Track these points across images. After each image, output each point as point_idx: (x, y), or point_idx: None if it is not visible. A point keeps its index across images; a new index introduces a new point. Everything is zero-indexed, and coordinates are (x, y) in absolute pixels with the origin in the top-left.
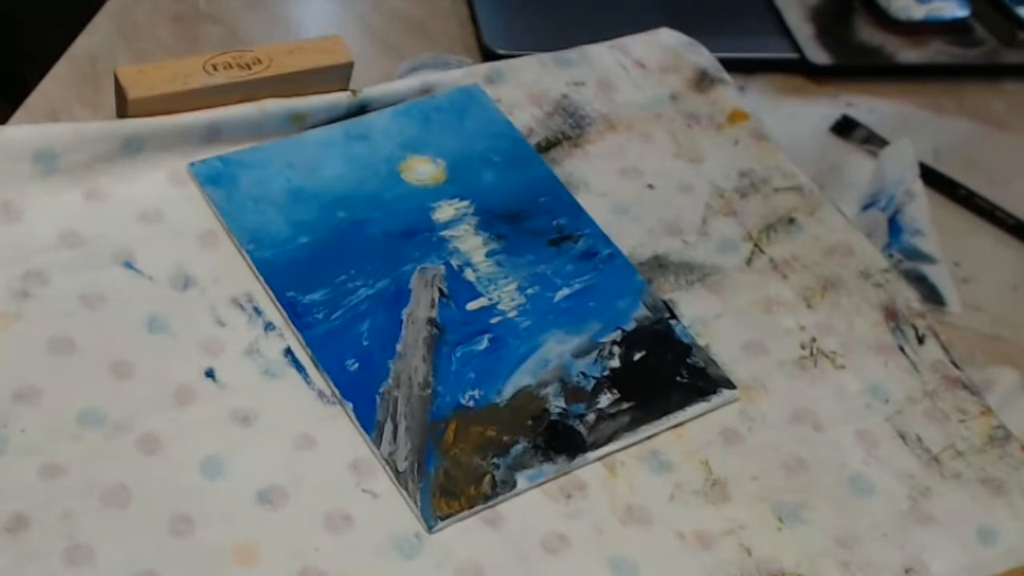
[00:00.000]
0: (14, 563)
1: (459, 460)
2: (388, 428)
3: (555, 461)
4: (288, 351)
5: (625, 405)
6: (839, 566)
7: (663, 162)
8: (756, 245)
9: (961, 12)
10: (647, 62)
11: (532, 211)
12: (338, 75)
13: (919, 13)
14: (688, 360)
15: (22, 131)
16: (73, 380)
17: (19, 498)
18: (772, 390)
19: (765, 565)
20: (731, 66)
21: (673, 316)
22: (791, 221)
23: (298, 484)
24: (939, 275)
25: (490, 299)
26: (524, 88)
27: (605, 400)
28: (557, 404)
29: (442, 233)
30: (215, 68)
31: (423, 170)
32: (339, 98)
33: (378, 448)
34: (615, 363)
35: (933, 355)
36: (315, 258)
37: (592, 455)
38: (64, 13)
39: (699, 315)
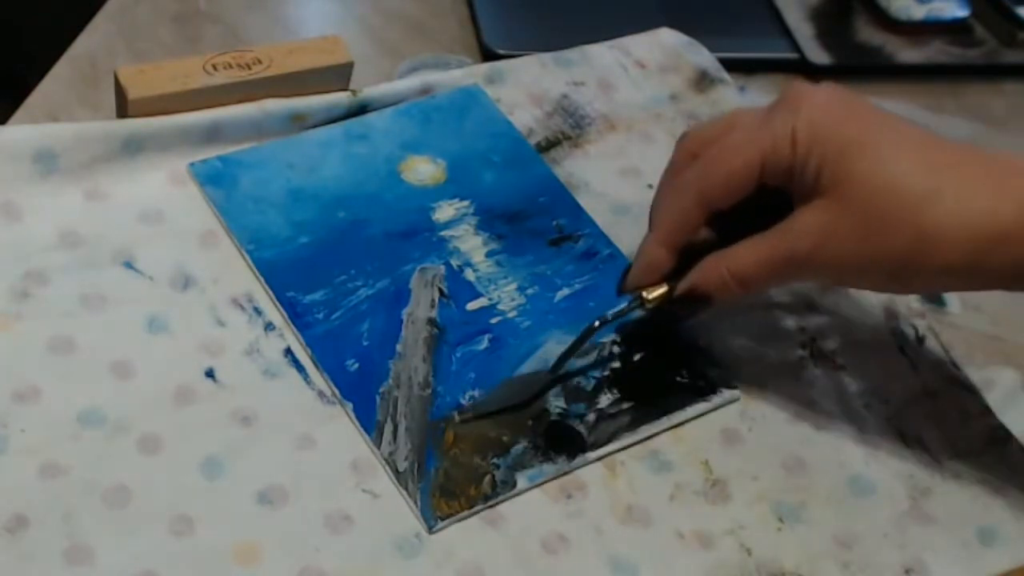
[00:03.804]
0: (14, 563)
1: (459, 460)
2: (388, 428)
3: (555, 461)
4: (288, 351)
5: (625, 405)
6: (839, 566)
7: (663, 162)
8: None
9: (961, 12)
10: (647, 62)
11: (532, 211)
12: (338, 75)
13: (919, 13)
14: (688, 360)
15: (22, 131)
16: (73, 380)
17: (19, 498)
18: (772, 390)
19: (765, 565)
20: (731, 66)
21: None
22: None
23: (298, 484)
24: None
25: (490, 299)
26: (524, 88)
27: (605, 400)
28: (557, 404)
29: (442, 233)
30: (215, 68)
31: (423, 170)
32: (339, 98)
33: (378, 448)
34: (615, 363)
35: (933, 355)
36: (315, 258)
37: (592, 455)
38: (64, 13)
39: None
